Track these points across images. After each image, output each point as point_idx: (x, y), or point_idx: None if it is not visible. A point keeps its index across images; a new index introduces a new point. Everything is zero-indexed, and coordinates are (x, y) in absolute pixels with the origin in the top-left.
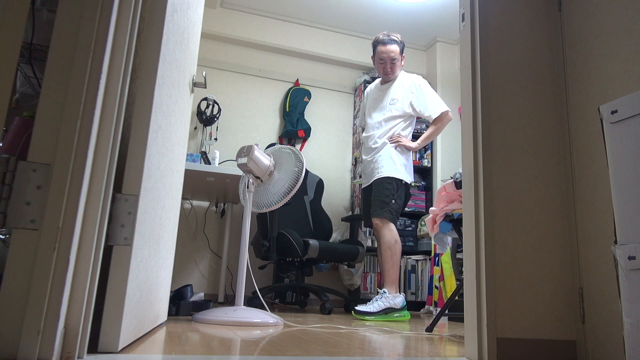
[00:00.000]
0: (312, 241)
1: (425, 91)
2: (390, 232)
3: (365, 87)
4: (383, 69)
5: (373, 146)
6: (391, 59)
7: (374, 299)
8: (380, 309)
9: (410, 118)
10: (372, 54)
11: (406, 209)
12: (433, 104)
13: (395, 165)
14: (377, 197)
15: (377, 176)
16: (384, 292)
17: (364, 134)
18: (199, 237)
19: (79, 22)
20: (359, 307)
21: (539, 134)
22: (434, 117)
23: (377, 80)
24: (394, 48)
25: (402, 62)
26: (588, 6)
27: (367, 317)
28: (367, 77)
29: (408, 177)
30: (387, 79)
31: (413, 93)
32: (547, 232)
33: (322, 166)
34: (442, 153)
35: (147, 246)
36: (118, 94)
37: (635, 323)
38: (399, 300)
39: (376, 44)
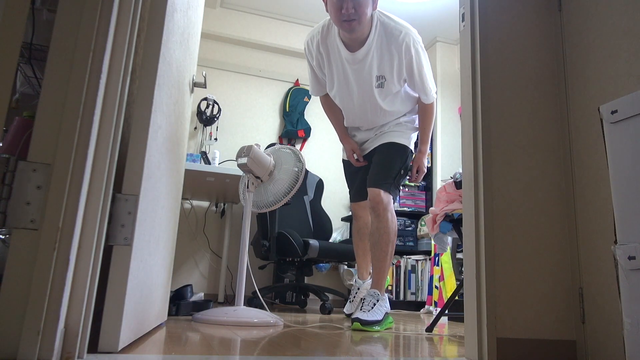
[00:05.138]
0: (312, 241)
1: (424, 63)
2: (393, 217)
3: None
4: (338, 13)
5: (376, 125)
6: None
7: (367, 301)
8: (383, 316)
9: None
10: None
11: (406, 209)
12: (430, 85)
13: (408, 135)
14: (383, 162)
15: (387, 140)
16: (377, 293)
17: (349, 120)
18: (199, 237)
19: (79, 22)
20: (363, 318)
21: (539, 134)
22: (427, 103)
23: (335, 32)
24: None
25: (375, 5)
26: (588, 6)
27: (374, 328)
28: None
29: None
30: (352, 30)
31: (407, 64)
32: (547, 232)
33: (322, 166)
34: (442, 153)
35: (147, 246)
36: (118, 94)
37: (635, 323)
38: (388, 303)
39: None
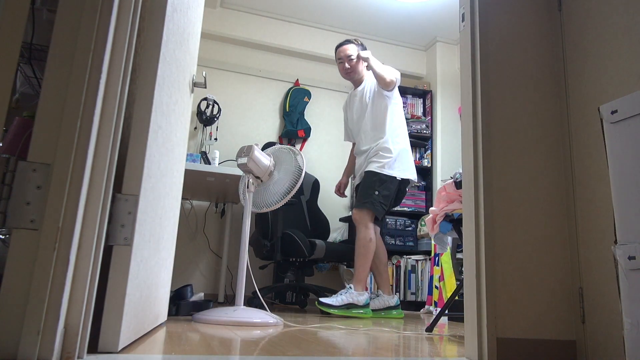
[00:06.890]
0: (318, 241)
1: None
2: (366, 230)
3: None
4: (343, 69)
5: (366, 148)
6: (347, 56)
7: (338, 292)
8: (343, 304)
9: (390, 102)
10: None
11: (406, 209)
12: (388, 70)
13: (380, 162)
14: (361, 190)
15: (367, 169)
16: (350, 287)
17: (357, 148)
18: (199, 237)
19: (79, 22)
20: (323, 299)
21: (539, 133)
22: (387, 80)
23: (351, 92)
24: (349, 46)
25: (364, 60)
26: (588, 6)
27: (330, 310)
28: None
29: (399, 173)
30: (352, 78)
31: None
32: (547, 232)
33: (321, 166)
34: (442, 153)
35: (147, 246)
36: (118, 94)
37: (635, 323)
38: (362, 298)
39: (335, 51)
